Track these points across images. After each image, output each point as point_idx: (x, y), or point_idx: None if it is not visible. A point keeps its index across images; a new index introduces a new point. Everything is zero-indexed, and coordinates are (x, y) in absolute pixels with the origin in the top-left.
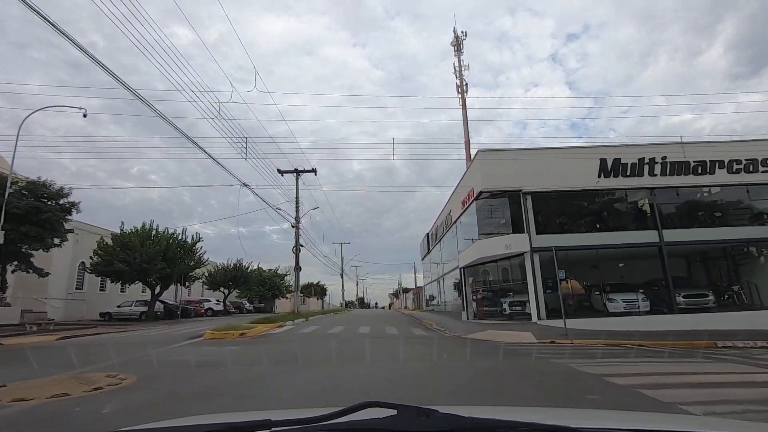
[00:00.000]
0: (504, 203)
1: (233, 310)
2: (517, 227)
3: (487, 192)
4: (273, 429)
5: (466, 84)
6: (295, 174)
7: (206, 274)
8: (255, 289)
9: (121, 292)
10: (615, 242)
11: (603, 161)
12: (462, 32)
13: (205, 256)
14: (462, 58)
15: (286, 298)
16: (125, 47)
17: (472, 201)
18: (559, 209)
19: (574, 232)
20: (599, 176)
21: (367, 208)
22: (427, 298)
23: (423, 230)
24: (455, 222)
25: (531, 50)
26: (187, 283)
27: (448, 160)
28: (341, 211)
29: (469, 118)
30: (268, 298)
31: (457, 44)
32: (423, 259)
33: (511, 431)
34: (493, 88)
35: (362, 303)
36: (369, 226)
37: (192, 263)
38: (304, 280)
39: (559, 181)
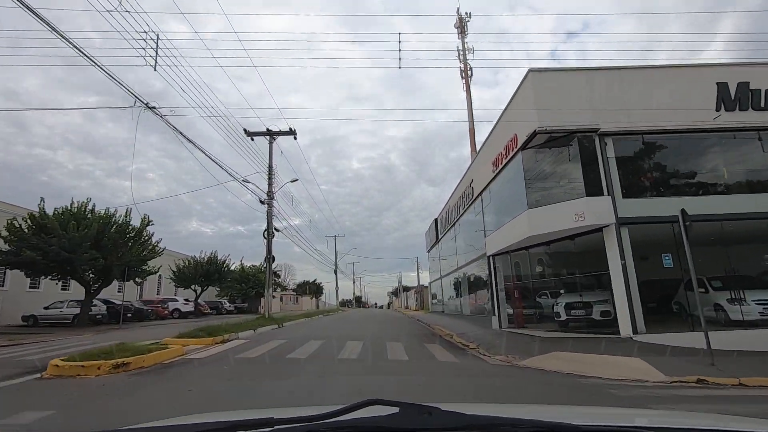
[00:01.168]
0: (566, 154)
1: (209, 311)
2: (593, 187)
3: (545, 133)
4: (275, 427)
5: (471, 68)
6: (268, 138)
7: (174, 270)
8: (237, 287)
9: (62, 290)
10: (746, 210)
11: (723, 86)
12: (466, 13)
13: (161, 245)
14: (466, 40)
15: (273, 297)
16: (122, 44)
17: (516, 152)
18: (652, 161)
19: (676, 194)
20: (718, 109)
21: (366, 207)
22: (434, 297)
23: (422, 229)
24: (482, 193)
25: (530, 47)
26: (138, 279)
27: (448, 159)
28: (340, 210)
29: (466, 116)
30: (251, 296)
31: (461, 26)
32: (429, 250)
33: (513, 429)
34: (493, 86)
35: (359, 302)
36: (368, 225)
37: (144, 253)
38: (299, 278)
39: (655, 115)
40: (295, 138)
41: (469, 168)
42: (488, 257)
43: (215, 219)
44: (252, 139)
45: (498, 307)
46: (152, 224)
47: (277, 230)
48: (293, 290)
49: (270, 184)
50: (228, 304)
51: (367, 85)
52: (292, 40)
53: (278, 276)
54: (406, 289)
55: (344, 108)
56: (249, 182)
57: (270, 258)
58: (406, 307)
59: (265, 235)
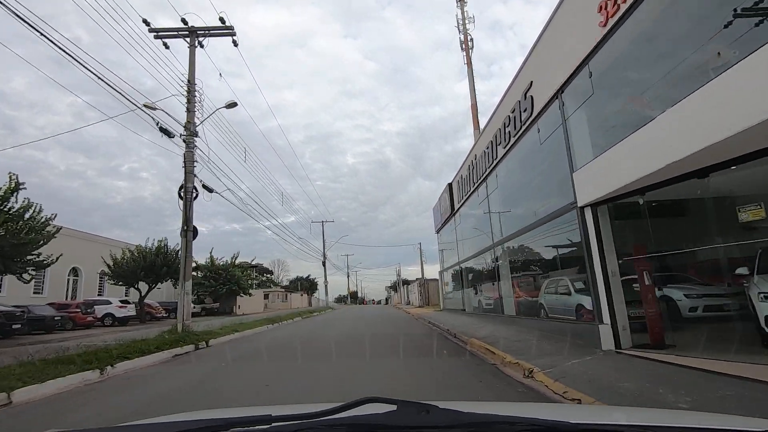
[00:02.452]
0: None
1: (162, 315)
2: None
3: None
4: (273, 424)
5: (471, 39)
6: (187, 39)
7: (110, 264)
8: (204, 284)
9: None
10: None
11: None
12: None
13: (53, 225)
14: (465, 8)
15: (250, 294)
16: (111, 43)
17: None
18: None
19: None
20: None
21: (362, 203)
22: (448, 289)
23: (419, 223)
24: (560, 92)
25: (524, 39)
26: (28, 274)
27: (443, 153)
28: (336, 206)
29: (461, 111)
30: (222, 294)
31: None
32: (439, 230)
33: (510, 427)
34: (487, 78)
35: (355, 298)
36: (364, 220)
37: (32, 237)
38: (292, 275)
39: None
40: (236, 44)
41: (520, 71)
42: (581, 210)
43: (209, 217)
44: (166, 47)
45: (610, 307)
46: (23, 188)
47: (209, 190)
48: (284, 287)
49: (190, 111)
50: (193, 305)
51: (361, 79)
52: (283, 40)
53: (271, 273)
54: (407, 282)
55: (339, 103)
56: (154, 108)
57: (190, 231)
58: (408, 303)
59: (182, 194)
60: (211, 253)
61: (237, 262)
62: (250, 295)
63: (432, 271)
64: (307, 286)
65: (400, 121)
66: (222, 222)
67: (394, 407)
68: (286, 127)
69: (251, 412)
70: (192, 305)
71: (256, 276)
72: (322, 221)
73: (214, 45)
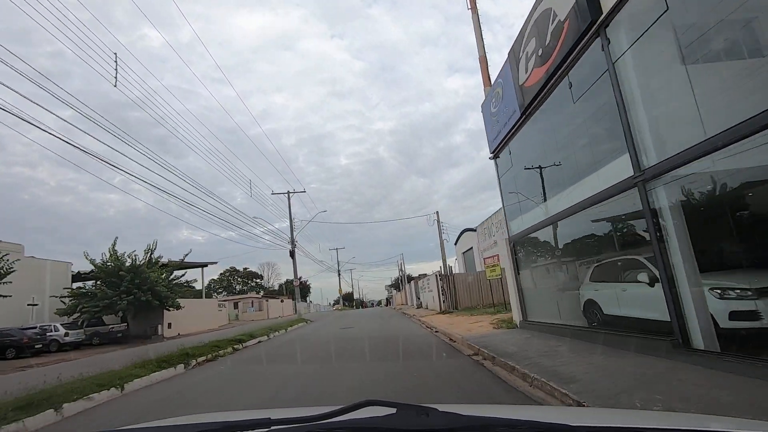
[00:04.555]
0: None
1: None
2: None
3: None
4: (272, 428)
5: None
6: None
7: None
8: (96, 295)
9: None
10: None
11: None
12: None
13: None
14: None
15: (178, 307)
16: (95, 53)
17: None
18: None
19: None
20: None
21: (357, 203)
22: (537, 281)
23: (413, 221)
24: None
25: (512, 31)
26: None
27: (436, 149)
28: (331, 207)
29: (452, 106)
30: (133, 309)
31: None
32: (503, 144)
33: (510, 429)
34: (476, 72)
35: (351, 300)
36: (360, 221)
37: None
38: (281, 278)
39: None
40: None
41: None
42: None
43: (205, 226)
44: None
45: None
46: None
47: None
48: (271, 292)
49: None
50: (63, 332)
51: (350, 79)
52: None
53: (260, 277)
54: (412, 278)
55: (329, 104)
56: None
57: None
58: (420, 306)
59: None
60: (113, 245)
61: (157, 258)
62: (178, 307)
63: (438, 266)
64: (292, 290)
65: (392, 120)
66: (218, 229)
67: (393, 410)
68: (277, 131)
69: (251, 415)
70: (65, 332)
71: (240, 280)
72: (288, 192)
73: (202, 53)
